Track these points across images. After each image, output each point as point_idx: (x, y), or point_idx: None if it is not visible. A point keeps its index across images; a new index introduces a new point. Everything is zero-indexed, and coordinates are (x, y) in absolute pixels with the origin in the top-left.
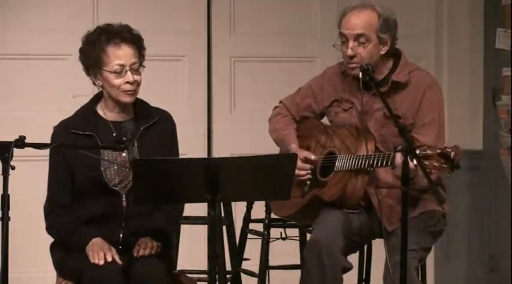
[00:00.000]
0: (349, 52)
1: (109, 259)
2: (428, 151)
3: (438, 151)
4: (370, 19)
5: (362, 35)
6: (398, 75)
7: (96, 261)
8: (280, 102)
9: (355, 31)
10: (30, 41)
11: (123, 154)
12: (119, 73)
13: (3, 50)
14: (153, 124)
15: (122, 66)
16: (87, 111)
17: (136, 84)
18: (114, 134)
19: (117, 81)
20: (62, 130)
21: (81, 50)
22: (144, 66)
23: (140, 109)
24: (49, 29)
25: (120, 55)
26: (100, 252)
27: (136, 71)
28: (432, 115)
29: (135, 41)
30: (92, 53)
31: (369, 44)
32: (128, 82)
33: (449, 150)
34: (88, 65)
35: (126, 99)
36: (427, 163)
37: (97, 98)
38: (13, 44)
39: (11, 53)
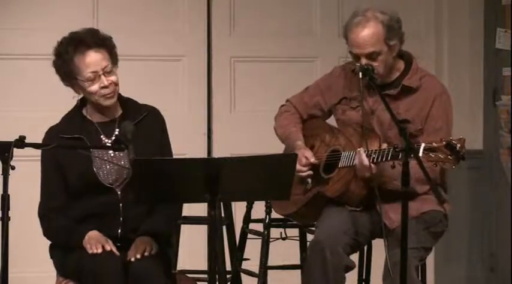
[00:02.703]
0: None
1: (108, 248)
2: (434, 144)
3: (444, 143)
4: (376, 32)
5: (373, 52)
6: (410, 79)
7: (95, 250)
8: (287, 100)
9: (365, 50)
10: (30, 41)
11: (110, 152)
12: (93, 80)
13: (3, 50)
14: (141, 120)
15: (95, 72)
16: (74, 115)
17: (113, 85)
18: (101, 136)
19: (94, 88)
20: (52, 136)
21: (53, 63)
22: (117, 66)
23: (127, 108)
24: (49, 29)
25: (89, 63)
26: (98, 243)
27: (109, 73)
28: (441, 123)
29: (102, 44)
30: (62, 65)
31: (380, 56)
32: (103, 86)
33: (455, 142)
34: (62, 77)
35: (107, 102)
36: (433, 156)
37: (82, 102)
38: (13, 44)
39: (11, 53)
